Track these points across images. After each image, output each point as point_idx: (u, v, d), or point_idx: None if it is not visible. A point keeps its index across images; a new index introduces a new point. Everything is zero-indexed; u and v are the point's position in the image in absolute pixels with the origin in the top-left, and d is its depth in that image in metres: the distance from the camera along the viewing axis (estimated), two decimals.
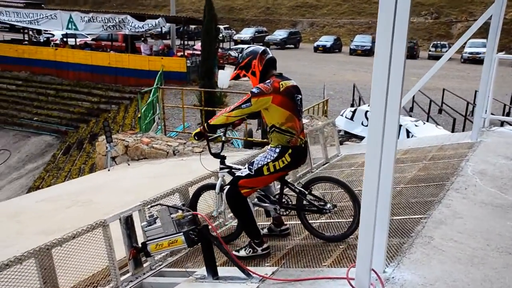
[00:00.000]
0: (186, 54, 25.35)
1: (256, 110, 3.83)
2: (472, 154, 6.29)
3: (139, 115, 11.94)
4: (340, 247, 3.90)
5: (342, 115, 12.76)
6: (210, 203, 4.53)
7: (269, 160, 3.82)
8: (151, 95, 14.05)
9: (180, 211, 3.63)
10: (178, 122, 16.09)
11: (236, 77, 4.18)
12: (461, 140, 7.28)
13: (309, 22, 55.04)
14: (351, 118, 12.00)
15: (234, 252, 4.02)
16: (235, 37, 45.39)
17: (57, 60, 25.86)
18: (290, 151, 3.81)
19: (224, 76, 23.13)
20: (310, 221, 4.22)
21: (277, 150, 3.82)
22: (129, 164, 10.26)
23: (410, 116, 13.72)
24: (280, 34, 46.17)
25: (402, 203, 4.72)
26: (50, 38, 32.58)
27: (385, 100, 2.90)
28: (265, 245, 3.98)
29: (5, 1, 30.92)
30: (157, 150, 10.50)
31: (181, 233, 3.58)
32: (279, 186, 4.16)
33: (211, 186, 4.39)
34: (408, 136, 9.98)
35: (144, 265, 4.02)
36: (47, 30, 34.63)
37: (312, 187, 4.10)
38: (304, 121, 9.82)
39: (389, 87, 2.89)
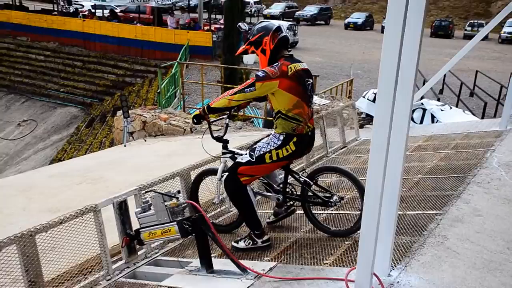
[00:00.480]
0: (212, 28, 25.01)
1: (261, 95, 3.56)
2: (500, 144, 5.87)
3: (158, 91, 11.76)
4: (346, 243, 3.64)
5: (364, 97, 12.28)
6: (212, 189, 4.31)
7: (272, 148, 3.56)
8: (173, 69, 13.85)
9: (174, 199, 3.42)
10: (200, 98, 15.87)
11: (244, 53, 3.90)
12: (489, 128, 6.84)
13: None
14: (374, 101, 11.49)
15: (233, 243, 3.81)
16: (265, 11, 44.58)
17: (85, 32, 25.89)
18: (295, 139, 3.53)
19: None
20: (316, 213, 3.96)
21: (281, 137, 3.55)
22: (145, 140, 10.14)
23: (439, 99, 13.13)
24: (310, 9, 45.16)
25: (418, 196, 4.40)
26: (79, 9, 32.61)
27: (394, 83, 2.56)
28: (265, 237, 3.75)
29: None
30: (174, 127, 10.33)
31: (175, 223, 3.38)
32: (282, 176, 3.89)
33: (213, 171, 4.16)
34: (432, 121, 9.51)
35: (139, 252, 3.84)
36: (77, 1, 34.82)
37: (318, 177, 3.82)
38: (325, 102, 9.46)
39: (400, 68, 2.54)
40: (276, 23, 3.74)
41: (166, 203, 3.41)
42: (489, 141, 6.02)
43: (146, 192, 3.67)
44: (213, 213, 4.46)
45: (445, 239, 3.46)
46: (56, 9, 30.94)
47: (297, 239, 3.84)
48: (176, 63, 13.28)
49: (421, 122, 9.55)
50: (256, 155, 3.58)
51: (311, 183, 3.75)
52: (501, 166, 5.07)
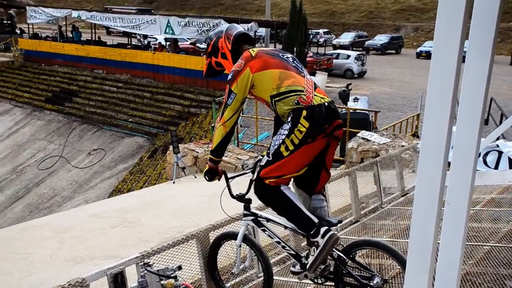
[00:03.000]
0: None
1: (246, 95, 3.06)
2: None
3: (212, 125, 11.41)
4: None
5: None
6: (232, 255, 3.68)
7: (283, 136, 2.91)
8: None
9: (172, 279, 2.83)
10: (259, 131, 15.42)
11: (211, 72, 3.42)
12: None
13: (413, 26, 51.87)
14: None
15: None
16: (334, 41, 44.03)
17: (154, 64, 26.62)
18: (304, 113, 2.85)
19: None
20: None
21: (289, 119, 2.91)
22: (195, 177, 9.76)
23: None
24: (380, 39, 44.04)
25: (488, 275, 3.50)
26: (151, 43, 33.80)
27: (448, 112, 1.82)
28: (329, 233, 2.91)
29: (119, 8, 32.69)
30: (225, 163, 9.87)
31: None
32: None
33: (234, 236, 3.54)
34: (510, 167, 8.30)
35: None
36: (151, 35, 36.21)
37: (356, 252, 3.08)
38: (385, 140, 8.59)
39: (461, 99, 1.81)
40: (226, 24, 3.34)
41: (162, 282, 2.83)
42: None
43: (143, 264, 3.10)
44: (232, 282, 3.81)
45: None
46: (130, 43, 32.21)
47: None
48: None
49: (495, 167, 8.39)
50: (272, 152, 2.97)
51: (347, 259, 3.02)
52: None
